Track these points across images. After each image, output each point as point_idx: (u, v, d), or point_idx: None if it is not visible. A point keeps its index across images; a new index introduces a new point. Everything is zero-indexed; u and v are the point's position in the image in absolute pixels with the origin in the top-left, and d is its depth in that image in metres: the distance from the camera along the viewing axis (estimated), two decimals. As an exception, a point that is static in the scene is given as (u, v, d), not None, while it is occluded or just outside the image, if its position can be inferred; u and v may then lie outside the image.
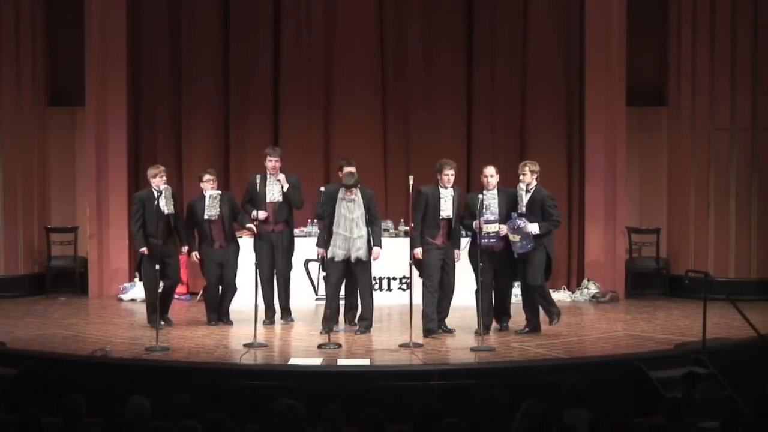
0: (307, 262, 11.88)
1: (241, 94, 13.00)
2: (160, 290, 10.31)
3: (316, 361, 8.85)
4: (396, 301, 11.74)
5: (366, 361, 8.87)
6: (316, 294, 11.76)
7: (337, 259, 9.87)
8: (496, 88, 13.03)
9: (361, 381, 8.29)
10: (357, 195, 9.88)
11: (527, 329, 10.02)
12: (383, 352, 9.30)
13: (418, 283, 9.97)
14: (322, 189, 10.26)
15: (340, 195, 9.88)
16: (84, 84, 12.62)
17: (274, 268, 10.55)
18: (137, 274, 11.95)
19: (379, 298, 11.62)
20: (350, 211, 9.84)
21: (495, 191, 9.84)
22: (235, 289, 10.61)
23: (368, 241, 9.93)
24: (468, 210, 9.91)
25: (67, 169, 13.25)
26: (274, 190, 10.52)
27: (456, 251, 10.04)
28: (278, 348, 9.66)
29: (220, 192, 10.55)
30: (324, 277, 10.04)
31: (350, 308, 10.44)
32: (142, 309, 10.75)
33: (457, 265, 10.08)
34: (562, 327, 10.26)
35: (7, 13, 12.59)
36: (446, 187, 9.85)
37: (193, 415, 6.24)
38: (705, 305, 9.18)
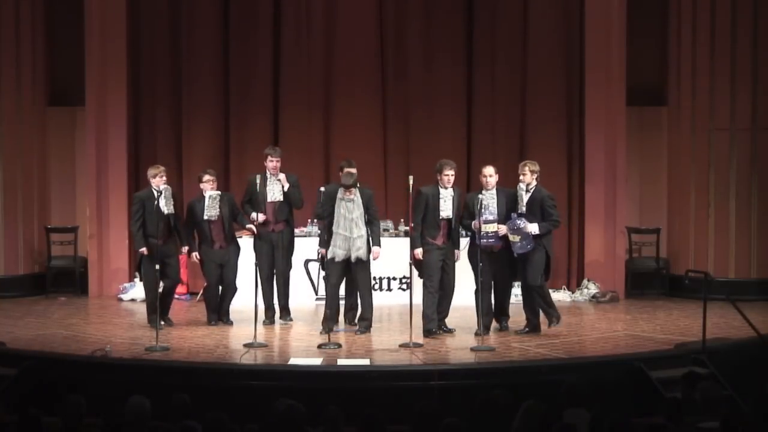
0: (307, 262, 11.88)
1: (241, 94, 13.00)
2: (160, 290, 10.31)
3: (316, 361, 8.85)
4: (396, 301, 11.74)
5: (366, 361, 8.87)
6: (316, 294, 11.76)
7: (337, 259, 9.87)
8: (496, 88, 13.04)
9: (361, 381, 8.29)
10: (356, 195, 9.88)
11: (527, 329, 10.02)
12: (383, 352, 9.31)
13: (418, 283, 9.97)
14: (322, 189, 10.26)
15: (339, 195, 9.89)
16: (84, 84, 12.62)
17: (274, 267, 10.55)
18: (137, 274, 11.95)
19: (379, 298, 11.63)
20: (349, 211, 9.84)
21: (494, 191, 9.83)
22: (235, 290, 10.61)
23: (368, 240, 9.94)
24: (467, 210, 9.91)
25: (67, 169, 13.25)
26: (275, 189, 10.52)
27: (456, 251, 10.04)
28: (278, 348, 9.66)
29: (219, 192, 10.54)
30: (324, 277, 10.04)
31: (350, 308, 10.44)
32: (142, 309, 10.75)
33: (457, 265, 10.08)
34: (562, 327, 10.25)
35: (7, 13, 12.59)
36: (446, 188, 9.85)
37: (193, 415, 6.24)
38: (705, 305, 9.18)
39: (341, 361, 8.84)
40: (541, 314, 10.02)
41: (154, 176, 10.29)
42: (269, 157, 10.50)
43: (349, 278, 10.16)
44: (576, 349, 9.47)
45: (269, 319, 10.57)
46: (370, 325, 10.12)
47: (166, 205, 10.22)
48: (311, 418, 5.95)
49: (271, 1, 12.99)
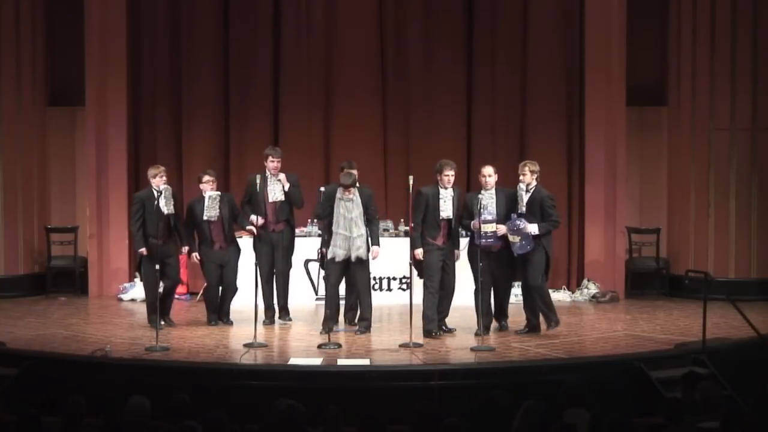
0: (307, 262, 11.88)
1: (241, 94, 12.99)
2: (160, 290, 10.32)
3: (316, 361, 8.84)
4: (396, 301, 11.73)
5: (366, 361, 8.87)
6: (316, 294, 11.76)
7: (337, 259, 9.87)
8: (496, 88, 13.03)
9: (361, 381, 8.29)
10: (355, 194, 9.88)
11: (527, 329, 10.02)
12: (383, 352, 9.30)
13: (418, 283, 9.96)
14: (322, 189, 10.26)
15: (338, 195, 9.89)
16: (84, 84, 12.62)
17: (274, 267, 10.55)
18: (137, 274, 11.95)
19: (379, 298, 11.64)
20: (349, 210, 9.85)
21: (493, 191, 9.82)
22: (235, 290, 10.61)
23: (367, 240, 9.94)
24: (467, 210, 9.91)
25: (67, 169, 13.25)
26: (276, 189, 10.52)
27: (456, 251, 10.04)
28: (278, 348, 9.65)
29: (219, 193, 10.54)
30: (324, 277, 10.04)
31: (350, 308, 10.44)
32: (142, 309, 10.75)
33: (457, 265, 10.08)
34: (562, 327, 10.25)
35: (7, 13, 12.59)
36: (446, 188, 9.85)
37: (193, 415, 6.24)
38: (705, 305, 9.17)
39: (341, 361, 8.84)
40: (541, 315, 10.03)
41: (154, 176, 10.29)
42: (270, 158, 10.49)
43: (349, 278, 10.16)
44: (576, 349, 9.47)
45: (269, 319, 10.56)
46: (370, 325, 10.12)
47: (166, 205, 10.22)
48: (311, 418, 5.95)
49: (271, 1, 12.99)
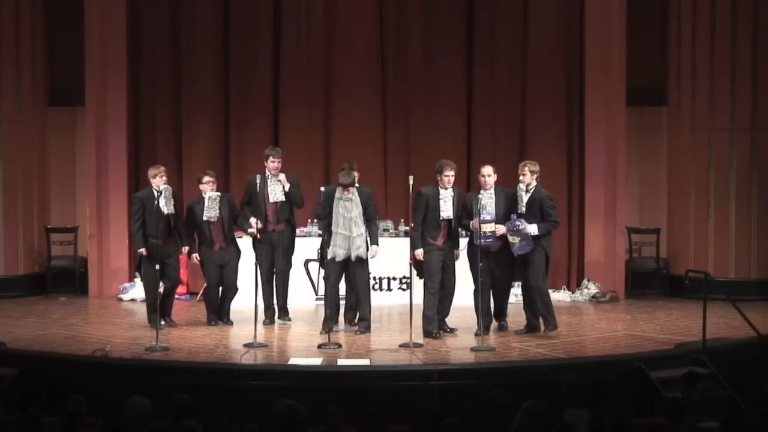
0: (307, 262, 11.88)
1: (241, 94, 12.99)
2: (160, 290, 10.32)
3: (316, 361, 8.84)
4: (396, 301, 11.73)
5: (366, 361, 8.87)
6: (316, 294, 11.76)
7: (338, 259, 9.87)
8: (496, 88, 13.03)
9: (361, 381, 8.29)
10: (354, 194, 9.88)
11: (526, 330, 10.01)
12: (383, 352, 9.30)
13: (418, 283, 9.96)
14: (322, 189, 10.26)
15: (337, 195, 9.90)
16: (84, 84, 12.62)
17: (274, 267, 10.54)
18: (137, 274, 11.95)
19: (379, 298, 11.64)
20: (348, 210, 9.85)
21: (492, 191, 9.81)
22: (235, 290, 10.61)
23: (367, 239, 9.94)
24: (466, 210, 9.91)
25: (67, 169, 13.25)
26: (276, 190, 10.51)
27: (455, 251, 10.03)
28: (278, 348, 9.65)
29: (219, 194, 10.54)
30: (324, 276, 10.04)
31: (350, 308, 10.44)
32: (142, 309, 10.75)
33: (457, 265, 10.07)
34: (562, 327, 10.25)
35: (7, 13, 12.59)
36: (446, 188, 9.85)
37: (193, 415, 6.24)
38: (705, 305, 9.17)
39: (341, 361, 8.84)
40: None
41: (155, 176, 10.29)
42: (271, 158, 10.48)
43: (349, 278, 10.15)
44: (576, 349, 9.46)
45: (269, 319, 10.56)
46: (370, 326, 10.11)
47: (166, 205, 10.21)
48: (311, 418, 5.95)
49: (271, 1, 12.99)
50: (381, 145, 13.09)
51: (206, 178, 10.47)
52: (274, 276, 10.57)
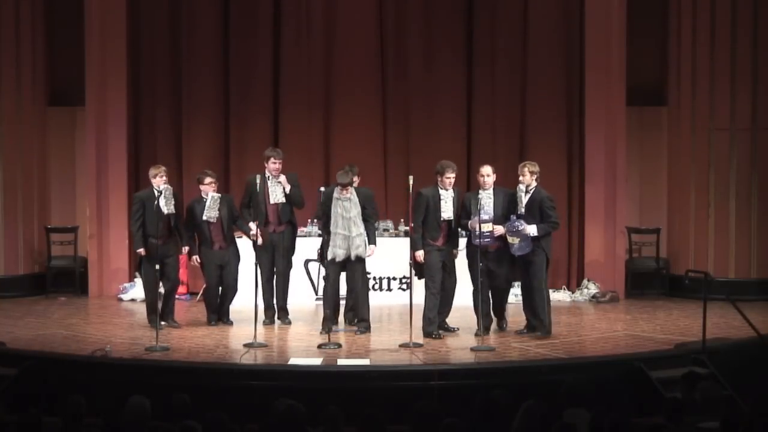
0: (307, 262, 11.88)
1: (241, 94, 12.99)
2: (160, 290, 10.32)
3: (316, 361, 8.84)
4: (396, 301, 11.73)
5: (366, 361, 8.87)
6: (316, 294, 11.75)
7: (338, 260, 9.86)
8: (496, 88, 13.03)
9: (361, 381, 8.29)
10: (352, 193, 9.88)
11: (526, 330, 10.01)
12: (383, 352, 9.30)
13: (417, 283, 9.96)
14: (322, 189, 10.25)
15: (336, 195, 9.89)
16: (84, 84, 12.62)
17: (274, 267, 10.54)
18: (137, 273, 11.94)
19: (379, 298, 11.65)
20: (347, 210, 9.84)
21: (491, 191, 9.80)
22: (235, 290, 10.60)
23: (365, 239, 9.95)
24: (464, 210, 9.90)
25: (67, 169, 13.25)
26: (277, 191, 10.49)
27: (454, 250, 10.03)
28: (278, 348, 9.64)
29: (219, 195, 10.53)
30: (324, 277, 10.04)
31: (350, 308, 10.43)
32: (142, 309, 10.74)
33: (457, 265, 10.07)
34: (562, 327, 10.26)
35: (7, 13, 12.59)
36: (447, 190, 9.84)
37: (193, 415, 6.24)
38: (705, 305, 9.17)
39: (341, 361, 8.84)
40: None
41: (155, 176, 10.28)
42: (272, 159, 10.45)
43: (347, 277, 10.15)
44: (576, 349, 9.46)
45: (269, 319, 10.55)
46: (370, 326, 10.11)
47: (166, 205, 10.21)
48: (311, 418, 5.95)
49: (271, 1, 12.99)
50: (381, 145, 13.09)
51: (208, 179, 10.46)
52: (275, 276, 10.56)
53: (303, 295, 11.73)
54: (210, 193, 10.42)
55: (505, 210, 9.74)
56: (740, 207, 12.40)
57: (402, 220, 12.06)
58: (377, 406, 6.61)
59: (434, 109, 13.02)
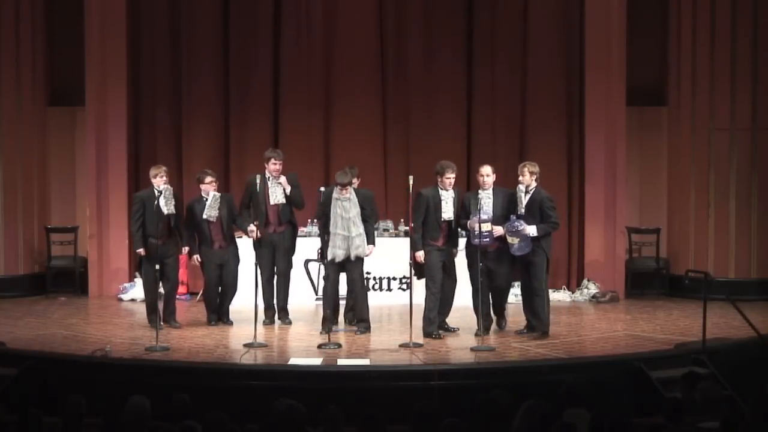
0: (307, 262, 11.88)
1: (241, 94, 12.99)
2: (160, 290, 10.31)
3: (316, 361, 8.84)
4: (396, 301, 11.73)
5: (366, 361, 8.87)
6: (316, 294, 11.75)
7: (338, 260, 9.86)
8: (496, 88, 13.03)
9: (361, 381, 8.29)
10: (351, 193, 9.88)
11: (526, 330, 10.01)
12: (383, 352, 9.30)
13: (417, 283, 9.95)
14: (322, 189, 10.25)
15: (335, 195, 9.89)
16: (84, 84, 12.62)
17: (275, 267, 10.53)
18: (137, 273, 11.95)
19: (379, 298, 11.65)
20: (346, 210, 9.84)
21: (491, 191, 9.79)
22: (235, 290, 10.60)
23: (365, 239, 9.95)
24: (464, 210, 9.90)
25: (67, 169, 13.25)
26: (277, 192, 10.48)
27: (453, 250, 10.03)
28: (278, 348, 9.64)
29: (219, 194, 10.54)
30: (324, 277, 10.04)
31: (350, 308, 10.43)
32: (142, 309, 10.74)
33: (457, 265, 10.06)
34: (562, 327, 10.25)
35: (7, 13, 12.59)
36: (447, 190, 9.83)
37: (193, 415, 6.24)
38: (705, 305, 9.17)
39: (341, 361, 8.84)
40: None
41: (155, 176, 10.28)
42: (272, 160, 10.43)
43: (346, 277, 10.15)
44: (576, 349, 9.46)
45: (269, 319, 10.55)
46: (369, 326, 10.11)
47: (166, 205, 10.21)
48: (311, 418, 5.95)
49: (271, 1, 12.99)
50: (381, 145, 13.09)
51: (208, 179, 10.46)
52: (275, 276, 10.56)
53: (303, 295, 11.72)
54: (210, 192, 10.42)
55: (505, 210, 9.74)
56: (740, 207, 12.40)
57: (402, 220, 12.06)
58: (377, 406, 6.60)
59: (434, 108, 13.02)
